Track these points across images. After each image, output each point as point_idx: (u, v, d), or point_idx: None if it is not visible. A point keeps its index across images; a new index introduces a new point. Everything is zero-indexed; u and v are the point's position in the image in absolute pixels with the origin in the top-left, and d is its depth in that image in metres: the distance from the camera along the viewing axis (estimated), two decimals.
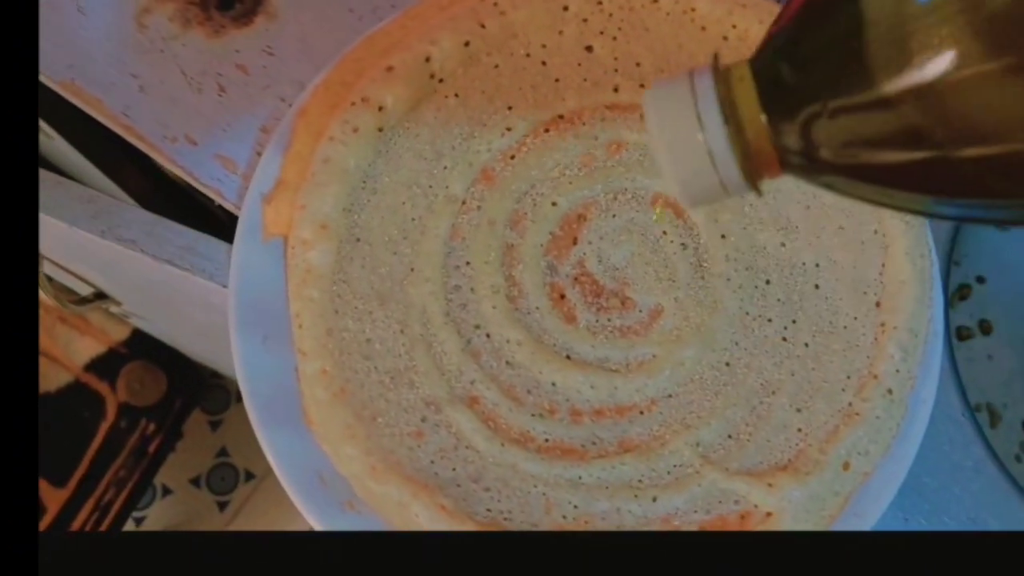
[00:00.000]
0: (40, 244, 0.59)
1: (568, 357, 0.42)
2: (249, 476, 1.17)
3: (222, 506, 1.17)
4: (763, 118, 0.27)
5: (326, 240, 0.42)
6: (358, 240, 0.42)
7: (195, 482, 1.18)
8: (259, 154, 0.46)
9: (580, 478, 0.40)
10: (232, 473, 1.18)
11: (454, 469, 0.40)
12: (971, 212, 0.28)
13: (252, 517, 1.16)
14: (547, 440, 0.41)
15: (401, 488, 0.39)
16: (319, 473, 0.40)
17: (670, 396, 0.42)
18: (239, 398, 1.20)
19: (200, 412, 1.20)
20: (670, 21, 0.45)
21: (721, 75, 0.28)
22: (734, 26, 0.44)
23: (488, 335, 0.42)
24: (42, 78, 0.48)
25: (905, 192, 0.27)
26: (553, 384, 0.42)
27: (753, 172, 0.28)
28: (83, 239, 0.49)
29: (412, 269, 0.42)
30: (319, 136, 0.43)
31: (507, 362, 0.42)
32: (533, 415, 0.41)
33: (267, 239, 0.42)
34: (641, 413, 0.42)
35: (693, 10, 0.45)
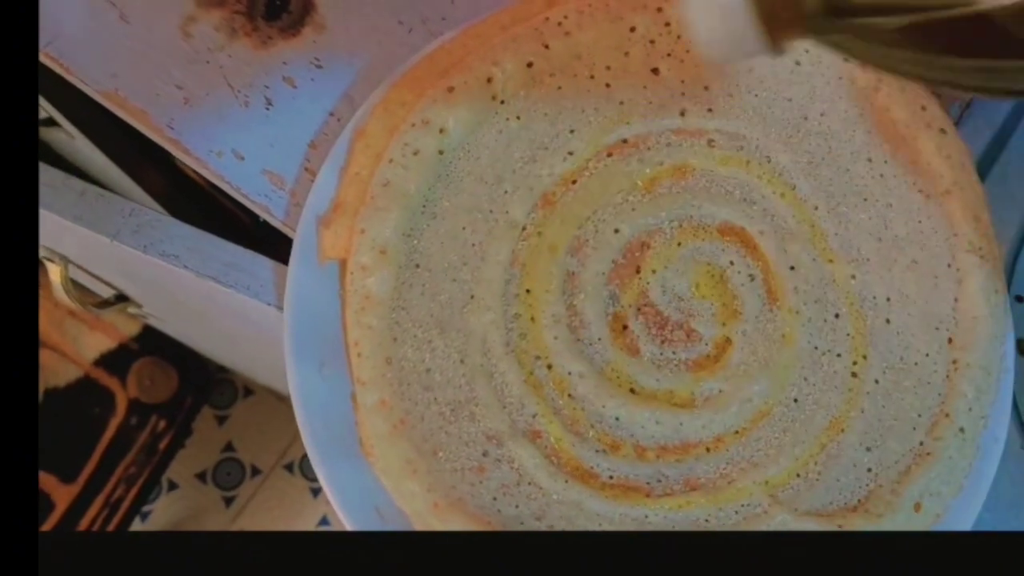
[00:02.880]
0: (67, 249, 0.58)
1: (632, 391, 0.41)
2: (256, 471, 1.16)
3: (228, 501, 1.16)
4: None
5: (385, 266, 0.40)
6: (417, 266, 0.41)
7: (201, 477, 1.17)
8: (308, 171, 0.45)
9: (646, 517, 0.39)
10: (238, 468, 1.17)
11: (517, 506, 0.39)
12: (995, 82, 0.29)
13: (258, 513, 1.15)
14: (611, 477, 0.40)
15: (464, 526, 0.38)
16: (376, 506, 0.39)
17: (737, 433, 0.41)
18: (247, 392, 1.20)
19: (207, 407, 1.19)
20: None
21: None
22: (807, 51, 0.43)
23: (550, 366, 0.41)
24: (83, 87, 0.47)
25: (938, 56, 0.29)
26: (617, 419, 0.41)
27: (775, 29, 0.29)
28: (121, 252, 0.47)
29: (472, 296, 0.41)
30: (378, 158, 0.41)
31: (569, 395, 0.41)
32: (597, 451, 0.40)
33: (323, 262, 0.41)
34: (708, 450, 0.41)
35: None
